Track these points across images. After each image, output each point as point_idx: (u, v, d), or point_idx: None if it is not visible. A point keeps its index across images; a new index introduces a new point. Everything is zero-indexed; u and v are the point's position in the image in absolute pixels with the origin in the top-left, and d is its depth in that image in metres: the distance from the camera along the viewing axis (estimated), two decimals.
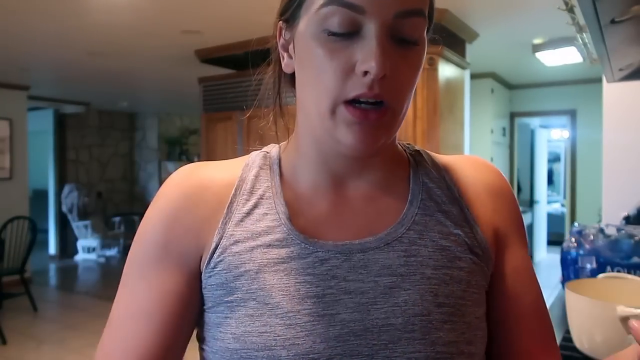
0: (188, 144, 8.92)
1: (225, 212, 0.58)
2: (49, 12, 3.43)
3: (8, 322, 4.69)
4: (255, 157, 0.64)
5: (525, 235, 0.66)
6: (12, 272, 5.00)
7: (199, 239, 0.58)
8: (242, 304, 0.55)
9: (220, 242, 0.57)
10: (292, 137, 0.64)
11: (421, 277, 0.56)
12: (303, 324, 0.53)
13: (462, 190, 0.63)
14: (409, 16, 0.52)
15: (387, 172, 0.62)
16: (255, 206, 0.59)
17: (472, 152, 4.64)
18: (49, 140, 8.14)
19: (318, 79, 0.53)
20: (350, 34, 0.52)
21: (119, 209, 8.71)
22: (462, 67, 3.91)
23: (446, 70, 3.56)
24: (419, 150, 0.67)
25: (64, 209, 7.83)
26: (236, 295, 0.55)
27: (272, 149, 0.66)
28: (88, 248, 7.99)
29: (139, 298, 0.57)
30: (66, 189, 7.86)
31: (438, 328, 0.54)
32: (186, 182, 0.60)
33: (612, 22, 0.87)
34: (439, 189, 0.62)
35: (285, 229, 0.57)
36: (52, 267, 7.69)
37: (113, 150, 8.88)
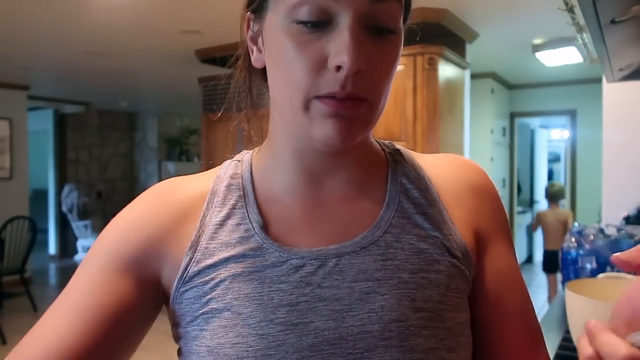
0: (188, 144, 8.91)
1: (198, 225, 0.57)
2: (49, 11, 3.43)
3: (8, 322, 4.68)
4: (227, 167, 0.62)
5: (510, 236, 0.63)
6: (12, 272, 4.99)
7: (160, 248, 0.56)
8: (217, 314, 0.53)
9: (194, 255, 0.55)
10: (266, 139, 0.62)
11: (398, 281, 0.53)
12: (275, 334, 0.51)
13: (442, 190, 0.61)
14: (385, 0, 0.49)
15: (364, 171, 0.59)
16: (227, 217, 0.57)
17: (472, 152, 4.63)
18: (49, 140, 8.13)
19: (288, 74, 0.50)
20: (321, 23, 0.49)
21: (119, 209, 8.61)
22: (462, 67, 3.91)
23: (446, 70, 3.56)
24: (399, 149, 0.64)
25: (64, 208, 7.83)
26: (211, 307, 0.53)
27: (245, 155, 0.64)
28: (88, 248, 7.95)
29: (76, 293, 0.54)
30: (66, 188, 7.85)
31: (416, 334, 0.51)
32: (154, 193, 0.61)
33: (612, 22, 0.87)
34: (418, 190, 0.60)
35: (258, 238, 0.55)
36: (52, 267, 7.69)
37: (113, 150, 8.87)
